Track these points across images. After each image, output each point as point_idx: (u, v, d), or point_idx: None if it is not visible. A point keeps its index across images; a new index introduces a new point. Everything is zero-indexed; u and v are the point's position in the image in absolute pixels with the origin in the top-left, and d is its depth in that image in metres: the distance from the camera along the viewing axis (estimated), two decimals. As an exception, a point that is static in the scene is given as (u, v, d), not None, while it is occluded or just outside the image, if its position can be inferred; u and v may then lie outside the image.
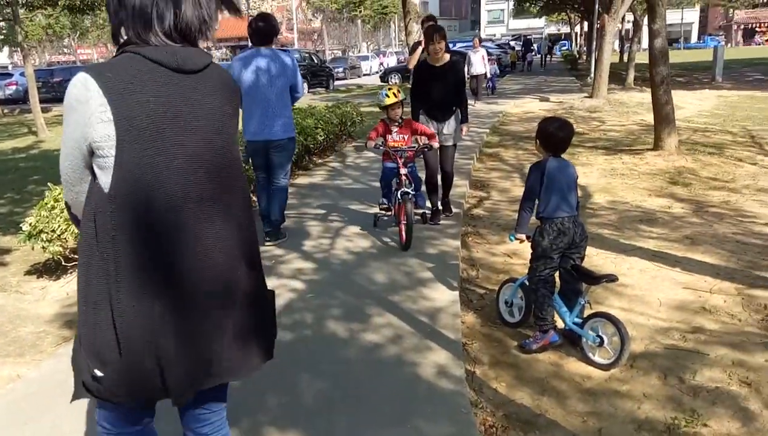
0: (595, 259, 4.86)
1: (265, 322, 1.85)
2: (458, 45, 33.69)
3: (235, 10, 1.70)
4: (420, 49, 6.86)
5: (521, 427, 2.88)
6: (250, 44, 5.12)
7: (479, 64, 16.18)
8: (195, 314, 1.61)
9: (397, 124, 5.37)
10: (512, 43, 35.99)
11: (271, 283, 4.39)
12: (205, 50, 1.64)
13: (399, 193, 5.05)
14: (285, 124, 5.03)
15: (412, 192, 5.05)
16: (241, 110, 3.19)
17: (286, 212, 5.48)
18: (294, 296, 4.21)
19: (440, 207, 5.81)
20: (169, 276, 1.56)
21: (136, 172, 1.49)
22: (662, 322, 3.83)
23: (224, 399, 1.91)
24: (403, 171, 5.11)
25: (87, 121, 1.48)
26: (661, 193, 6.87)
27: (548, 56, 38.94)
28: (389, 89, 5.34)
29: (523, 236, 3.53)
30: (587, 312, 3.51)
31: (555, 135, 3.41)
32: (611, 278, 3.35)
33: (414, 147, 5.35)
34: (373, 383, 3.09)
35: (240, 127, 4.00)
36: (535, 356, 3.47)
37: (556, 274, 3.48)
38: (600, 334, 3.31)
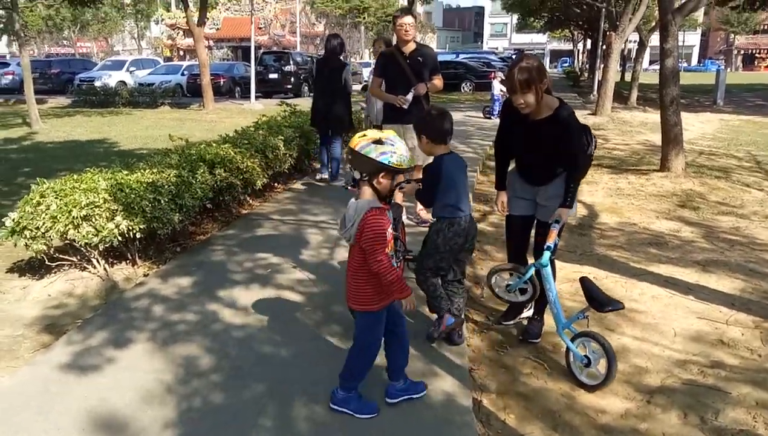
0: (606, 282, 4.66)
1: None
2: (461, 56, 33.60)
3: None
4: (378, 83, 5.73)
5: (533, 466, 2.66)
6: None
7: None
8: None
9: None
10: (514, 57, 36.01)
11: (267, 293, 4.20)
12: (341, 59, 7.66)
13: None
14: None
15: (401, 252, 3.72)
16: None
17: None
18: (290, 307, 3.99)
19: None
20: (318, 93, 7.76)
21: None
22: (678, 354, 3.62)
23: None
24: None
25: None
26: (670, 215, 6.68)
27: None
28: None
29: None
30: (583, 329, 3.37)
31: (441, 126, 3.35)
32: (617, 307, 3.08)
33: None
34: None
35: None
36: (545, 386, 3.26)
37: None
38: (587, 354, 3.20)
